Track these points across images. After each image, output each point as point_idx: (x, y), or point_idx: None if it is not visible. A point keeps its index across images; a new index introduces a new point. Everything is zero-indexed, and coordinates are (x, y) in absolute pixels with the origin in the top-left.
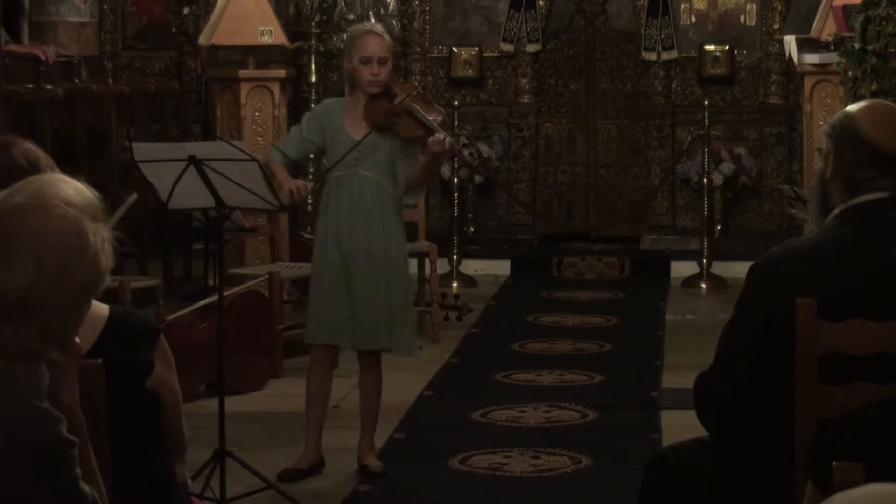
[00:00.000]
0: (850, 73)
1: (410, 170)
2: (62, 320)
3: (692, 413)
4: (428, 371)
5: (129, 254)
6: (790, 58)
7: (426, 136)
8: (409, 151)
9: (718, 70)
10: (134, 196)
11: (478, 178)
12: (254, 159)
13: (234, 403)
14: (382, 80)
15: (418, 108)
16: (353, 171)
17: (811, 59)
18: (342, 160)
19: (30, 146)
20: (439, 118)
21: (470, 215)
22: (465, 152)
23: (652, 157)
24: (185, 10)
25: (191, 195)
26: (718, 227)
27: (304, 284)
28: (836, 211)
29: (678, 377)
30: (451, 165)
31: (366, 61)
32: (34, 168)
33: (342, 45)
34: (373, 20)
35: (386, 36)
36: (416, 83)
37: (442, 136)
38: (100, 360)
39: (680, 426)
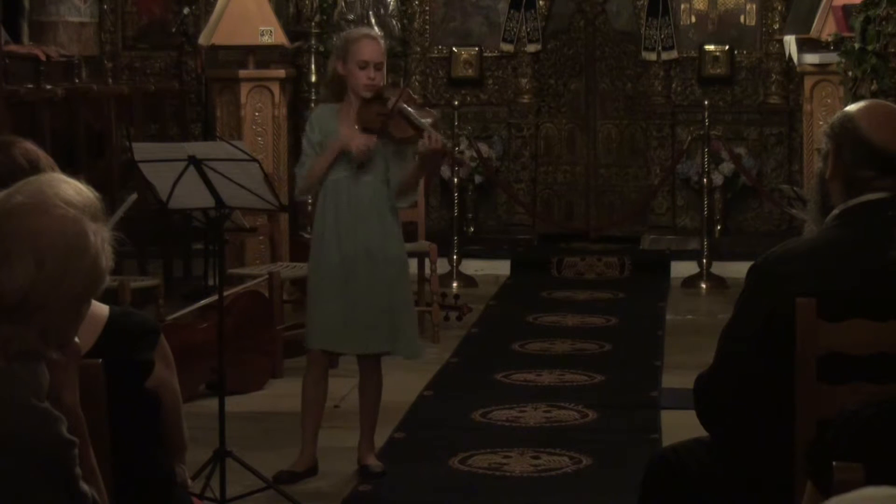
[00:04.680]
0: (850, 73)
1: (403, 171)
2: (62, 320)
3: (692, 413)
4: (428, 371)
5: (129, 254)
6: (790, 58)
7: (418, 136)
8: (401, 154)
9: (718, 70)
10: (134, 196)
11: (478, 178)
12: (254, 159)
13: (234, 403)
14: (378, 84)
15: (410, 109)
16: (349, 175)
17: (811, 59)
18: (338, 163)
19: (30, 146)
20: (430, 119)
21: (470, 215)
22: (465, 152)
23: (652, 157)
24: (185, 10)
25: (191, 195)
26: (718, 227)
27: (304, 284)
28: (835, 211)
29: (678, 377)
30: (451, 166)
31: (363, 66)
32: (35, 168)
33: None
34: (373, 20)
35: (382, 41)
36: (405, 85)
37: (435, 136)
38: (100, 360)
39: (680, 426)
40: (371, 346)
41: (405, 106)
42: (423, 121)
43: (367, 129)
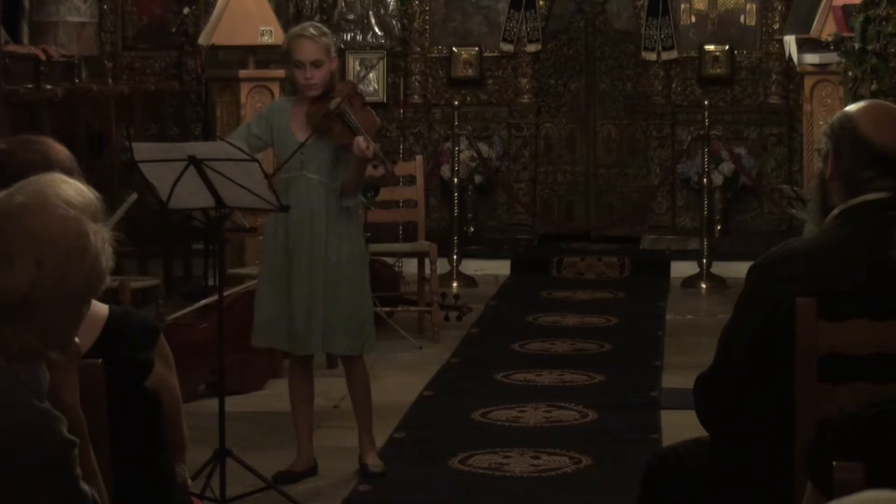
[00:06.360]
0: (850, 73)
1: (345, 173)
2: (62, 320)
3: (692, 413)
4: (428, 371)
5: (129, 254)
6: (790, 58)
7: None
8: (343, 156)
9: (718, 70)
10: (134, 196)
11: (478, 178)
12: (254, 159)
13: (234, 403)
14: (317, 83)
15: (350, 112)
16: (299, 174)
17: (811, 59)
18: (288, 162)
19: (60, 147)
20: (372, 123)
21: (470, 215)
22: (465, 152)
23: (652, 157)
24: (185, 10)
25: (191, 195)
26: (718, 227)
27: None
28: (835, 211)
29: (678, 377)
30: (451, 165)
31: (298, 65)
32: (67, 172)
33: (342, 46)
34: (373, 20)
35: (322, 38)
36: (355, 84)
37: (364, 143)
38: (100, 360)
39: (680, 426)
40: (308, 347)
41: (346, 109)
42: (358, 125)
43: (314, 129)
